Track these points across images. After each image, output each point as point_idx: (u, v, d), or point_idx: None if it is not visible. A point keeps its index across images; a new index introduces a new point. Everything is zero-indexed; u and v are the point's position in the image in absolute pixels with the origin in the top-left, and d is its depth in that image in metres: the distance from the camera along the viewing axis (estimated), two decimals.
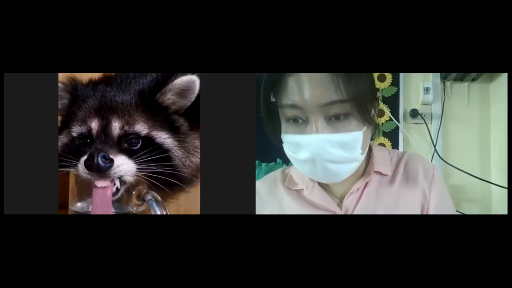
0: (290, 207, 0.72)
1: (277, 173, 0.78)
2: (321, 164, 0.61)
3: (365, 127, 0.61)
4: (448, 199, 0.71)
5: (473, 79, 1.38)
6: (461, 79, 1.39)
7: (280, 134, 0.66)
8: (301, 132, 0.61)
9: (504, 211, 1.18)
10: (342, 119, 0.60)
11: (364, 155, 0.65)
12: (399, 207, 0.67)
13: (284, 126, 0.64)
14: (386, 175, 0.70)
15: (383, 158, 0.71)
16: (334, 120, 0.60)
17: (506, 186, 1.15)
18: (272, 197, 0.74)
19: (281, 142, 0.66)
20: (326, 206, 0.69)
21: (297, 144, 0.62)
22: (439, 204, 0.68)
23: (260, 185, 0.76)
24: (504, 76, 1.26)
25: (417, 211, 0.68)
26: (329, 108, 0.59)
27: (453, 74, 1.36)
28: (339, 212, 0.68)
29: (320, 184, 0.71)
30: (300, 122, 0.61)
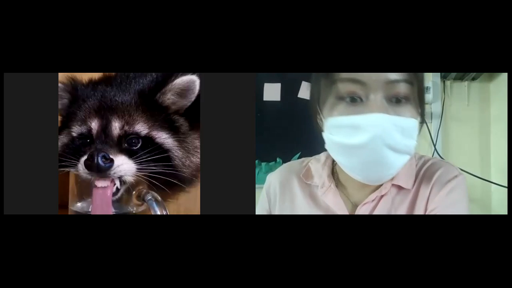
0: (301, 203, 0.67)
1: (294, 163, 0.72)
2: (377, 150, 0.54)
3: (419, 118, 0.57)
4: (458, 210, 0.62)
5: (473, 78, 1.37)
6: (461, 79, 1.39)
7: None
8: (357, 113, 0.55)
9: (504, 211, 1.18)
10: (403, 103, 0.55)
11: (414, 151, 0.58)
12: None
13: (329, 108, 0.58)
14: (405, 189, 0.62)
15: (408, 168, 0.62)
16: (395, 102, 0.55)
17: (506, 185, 1.15)
18: (284, 190, 0.69)
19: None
20: (337, 211, 0.64)
21: (352, 127, 0.55)
22: (440, 210, 0.61)
23: (274, 178, 0.71)
24: (504, 75, 1.26)
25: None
26: (393, 87, 0.55)
27: (453, 74, 1.36)
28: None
29: (337, 185, 0.65)
30: (358, 101, 0.55)
